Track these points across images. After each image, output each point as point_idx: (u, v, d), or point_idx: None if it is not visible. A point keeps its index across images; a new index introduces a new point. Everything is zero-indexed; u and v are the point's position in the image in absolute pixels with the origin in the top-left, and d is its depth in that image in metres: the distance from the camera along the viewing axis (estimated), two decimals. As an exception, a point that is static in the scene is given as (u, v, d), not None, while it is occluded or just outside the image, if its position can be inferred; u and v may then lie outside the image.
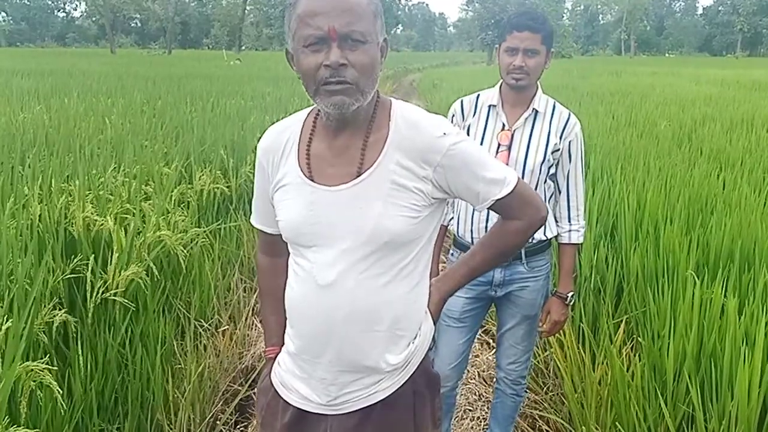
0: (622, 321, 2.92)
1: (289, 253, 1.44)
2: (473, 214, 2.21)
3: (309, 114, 1.42)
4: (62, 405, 2.16)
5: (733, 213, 3.25)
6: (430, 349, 1.47)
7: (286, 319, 1.46)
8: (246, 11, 71.18)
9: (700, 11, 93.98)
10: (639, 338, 2.74)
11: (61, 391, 2.12)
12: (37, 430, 1.99)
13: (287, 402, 1.45)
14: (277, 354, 1.52)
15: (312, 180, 1.34)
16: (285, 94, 11.23)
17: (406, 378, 1.41)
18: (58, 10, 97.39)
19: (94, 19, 78.82)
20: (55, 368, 2.24)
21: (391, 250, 1.32)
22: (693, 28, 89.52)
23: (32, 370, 2.09)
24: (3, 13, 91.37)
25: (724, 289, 2.49)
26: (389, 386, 1.39)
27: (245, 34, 74.33)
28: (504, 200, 1.36)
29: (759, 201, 3.56)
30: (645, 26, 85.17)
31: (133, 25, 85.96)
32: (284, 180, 1.38)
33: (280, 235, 1.43)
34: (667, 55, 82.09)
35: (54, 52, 46.67)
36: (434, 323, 1.48)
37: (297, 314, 1.41)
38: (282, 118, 5.45)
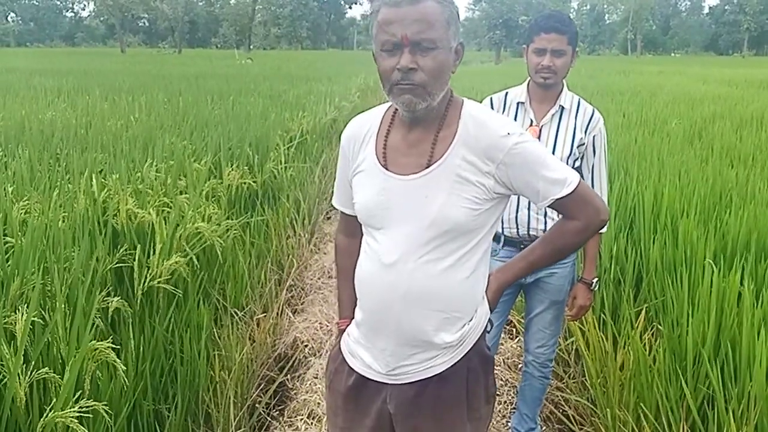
0: (642, 309, 3.05)
1: (362, 235, 1.59)
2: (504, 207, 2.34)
3: (389, 108, 1.55)
4: (124, 381, 2.31)
5: (747, 205, 3.38)
6: (487, 331, 1.59)
7: None
8: (255, 10, 71.26)
9: (706, 10, 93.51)
10: (659, 325, 2.87)
11: (125, 368, 2.26)
12: (104, 402, 2.13)
13: (352, 368, 1.60)
14: (348, 325, 1.68)
15: (386, 168, 1.48)
16: (301, 92, 11.36)
17: (461, 356, 1.52)
18: (67, 11, 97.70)
19: (102, 19, 79.04)
20: (116, 348, 2.38)
21: (451, 238, 1.44)
22: (699, 27, 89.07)
23: (96, 349, 2.25)
24: (12, 14, 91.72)
25: (741, 277, 2.62)
26: (444, 362, 1.51)
27: (254, 33, 74.43)
28: (563, 200, 1.45)
29: (772, 194, 3.70)
30: (651, 26, 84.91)
31: (141, 24, 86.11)
32: (362, 166, 1.53)
33: (356, 216, 1.58)
34: (672, 54, 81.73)
35: (64, 51, 46.87)
36: (491, 310, 1.60)
37: (363, 289, 1.56)
38: (300, 116, 5.67)
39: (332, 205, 1.75)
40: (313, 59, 31.98)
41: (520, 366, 3.38)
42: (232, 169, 4.71)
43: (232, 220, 4.07)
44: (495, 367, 3.31)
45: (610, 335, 3.06)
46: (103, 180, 3.66)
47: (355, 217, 1.59)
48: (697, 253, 2.93)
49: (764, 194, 3.67)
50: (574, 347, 3.30)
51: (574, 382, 3.17)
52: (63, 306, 2.29)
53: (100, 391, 2.29)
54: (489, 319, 1.60)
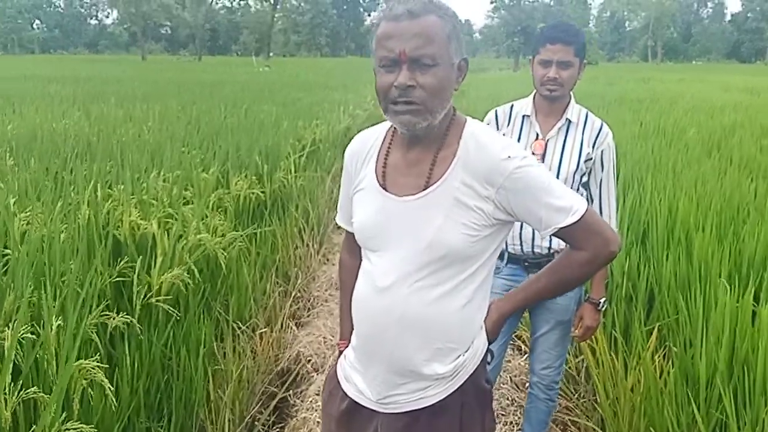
0: (654, 328, 2.95)
1: None
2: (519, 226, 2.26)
3: (392, 125, 1.49)
4: (113, 402, 2.25)
5: (765, 222, 3.26)
6: (487, 362, 1.50)
7: None
8: (275, 18, 71.88)
9: (728, 17, 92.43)
10: (671, 345, 2.77)
11: (112, 389, 2.21)
12: (91, 426, 2.08)
13: (345, 393, 1.54)
14: (346, 347, 1.62)
15: (384, 188, 1.43)
16: (316, 100, 11.35)
17: (455, 388, 1.45)
18: (91, 18, 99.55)
19: (125, 26, 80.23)
20: (105, 367, 2.33)
21: (447, 264, 1.37)
22: (721, 34, 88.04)
23: (84, 368, 2.20)
24: (37, 21, 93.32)
25: (756, 297, 2.51)
26: (437, 393, 1.44)
27: (273, 40, 75.04)
28: (569, 229, 1.36)
29: (791, 209, 3.57)
30: (672, 33, 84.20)
31: (163, 32, 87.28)
32: (362, 184, 1.48)
33: None
34: (694, 62, 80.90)
35: (87, 59, 47.58)
36: (490, 341, 1.51)
37: (358, 313, 1.50)
38: (314, 124, 5.60)
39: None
40: (330, 66, 32.08)
41: (527, 384, 3.29)
42: (240, 179, 4.67)
43: (238, 230, 4.02)
44: (502, 386, 3.29)
45: (620, 355, 2.96)
46: (108, 190, 3.64)
47: None
48: (712, 270, 2.83)
49: (783, 210, 3.54)
50: (584, 365, 3.20)
51: (583, 402, 3.08)
52: (54, 322, 2.24)
53: (92, 409, 2.25)
54: (489, 349, 1.51)
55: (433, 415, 1.45)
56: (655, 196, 3.81)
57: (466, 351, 1.45)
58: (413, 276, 1.38)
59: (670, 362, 2.71)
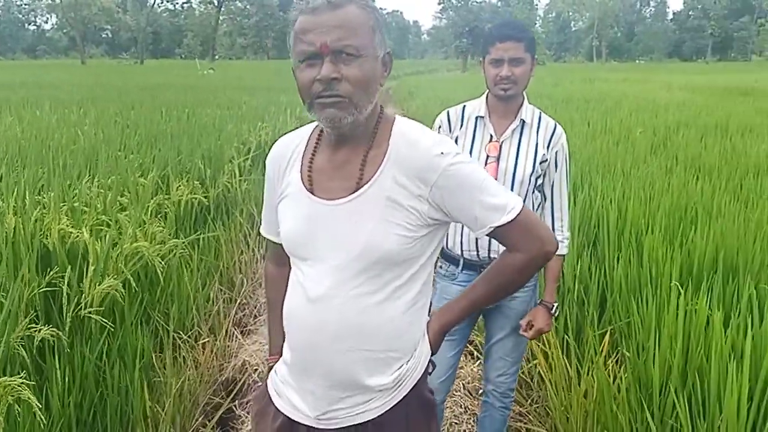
0: (606, 332, 2.91)
1: None
2: (463, 226, 2.19)
3: (317, 127, 1.41)
4: (41, 420, 2.11)
5: (713, 221, 3.27)
6: (428, 372, 1.43)
7: None
8: (219, 21, 70.97)
9: (670, 16, 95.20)
10: (624, 350, 2.72)
11: (39, 406, 2.07)
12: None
13: (279, 410, 1.43)
14: (276, 362, 1.51)
15: (312, 193, 1.34)
16: (261, 103, 11.15)
17: (398, 400, 1.37)
18: (29, 24, 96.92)
19: (64, 31, 78.20)
20: (33, 382, 2.18)
21: (383, 269, 1.29)
22: (663, 33, 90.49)
23: (9, 384, 2.04)
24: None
25: (708, 299, 2.48)
26: (379, 406, 1.36)
27: (219, 43, 74.10)
28: (504, 228, 1.31)
29: (738, 208, 3.59)
30: (616, 33, 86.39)
31: (103, 36, 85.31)
32: (287, 191, 1.39)
33: None
34: (637, 61, 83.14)
35: (24, 64, 46.23)
36: (433, 352, 1.44)
37: (290, 326, 1.40)
38: (259, 128, 5.41)
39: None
40: (277, 69, 31.68)
41: (480, 391, 3.22)
42: (182, 184, 4.48)
43: (179, 237, 3.85)
44: (454, 393, 3.21)
45: (573, 359, 2.91)
46: (38, 197, 3.43)
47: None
48: (663, 272, 2.80)
49: (730, 209, 3.56)
50: (537, 370, 3.14)
51: (536, 408, 3.02)
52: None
53: (19, 426, 2.12)
54: (430, 360, 1.43)
55: (377, 429, 1.37)
56: (605, 198, 3.79)
57: (409, 360, 1.37)
58: (348, 283, 1.29)
59: (623, 367, 2.67)
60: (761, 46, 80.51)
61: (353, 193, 1.29)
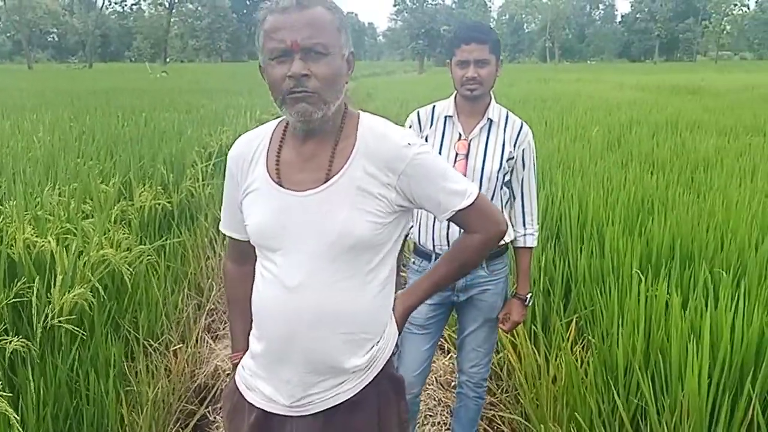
0: (572, 320, 3.01)
1: (255, 261, 1.49)
2: (434, 222, 2.25)
3: (279, 123, 1.47)
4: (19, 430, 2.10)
5: (669, 213, 3.41)
6: (393, 354, 1.51)
7: (251, 324, 1.51)
8: (171, 23, 69.82)
9: (618, 19, 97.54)
10: (590, 336, 2.83)
11: (17, 417, 2.05)
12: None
13: (252, 404, 1.47)
14: (241, 359, 1.55)
15: (281, 185, 1.39)
16: (220, 106, 11.06)
17: (370, 379, 1.45)
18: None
19: (8, 34, 75.85)
20: (7, 395, 2.16)
21: (356, 254, 1.36)
22: (612, 35, 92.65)
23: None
24: None
25: (667, 285, 2.60)
26: (352, 387, 1.43)
27: (170, 46, 72.87)
28: (464, 212, 1.43)
29: (691, 200, 3.75)
30: (567, 34, 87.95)
31: (50, 39, 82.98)
32: (253, 185, 1.43)
33: (248, 241, 1.48)
34: (589, 62, 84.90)
35: (-35, 69, 44.55)
36: (399, 333, 1.52)
37: (264, 316, 1.44)
38: (220, 131, 5.39)
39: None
40: (233, 71, 31.43)
41: (453, 384, 3.29)
42: (145, 190, 4.45)
43: (144, 244, 3.82)
44: (428, 386, 3.27)
45: (541, 348, 3.00)
46: (0, 207, 3.37)
47: (246, 242, 1.49)
48: (624, 261, 2.92)
49: (683, 201, 3.72)
50: (506, 361, 3.23)
51: (507, 397, 3.11)
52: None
53: None
54: (396, 343, 1.53)
55: (350, 410, 1.44)
56: (566, 193, 3.91)
57: (380, 340, 1.45)
58: (325, 270, 1.36)
59: (589, 352, 2.77)
60: (705, 46, 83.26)
61: (324, 183, 1.36)
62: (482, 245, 1.50)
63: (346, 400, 1.43)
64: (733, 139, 6.84)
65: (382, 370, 1.46)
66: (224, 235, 1.59)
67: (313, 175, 1.37)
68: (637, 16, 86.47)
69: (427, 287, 1.56)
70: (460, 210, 1.42)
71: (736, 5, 76.66)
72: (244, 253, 1.54)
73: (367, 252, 1.37)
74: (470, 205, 1.42)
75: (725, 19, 75.58)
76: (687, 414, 2.13)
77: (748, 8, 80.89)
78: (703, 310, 2.35)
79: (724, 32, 75.66)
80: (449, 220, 1.44)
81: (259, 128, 1.51)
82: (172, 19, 70.38)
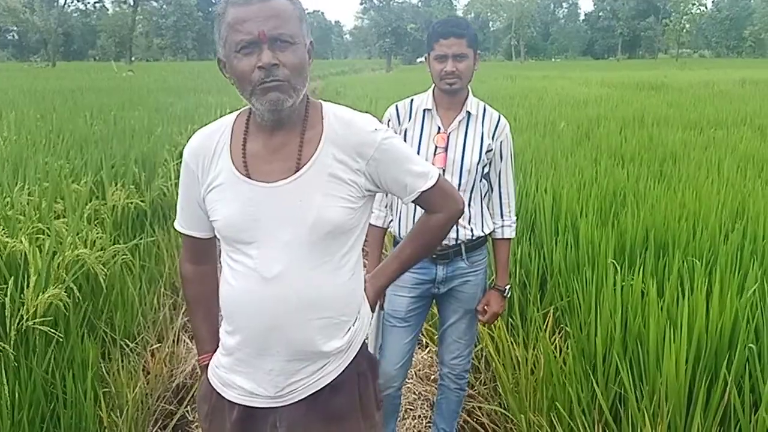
0: (549, 311, 3.06)
1: (213, 261, 1.51)
2: (414, 215, 2.27)
3: (239, 116, 1.46)
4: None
5: (641, 204, 3.48)
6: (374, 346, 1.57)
7: (218, 324, 1.52)
8: (135, 21, 68.68)
9: (582, 17, 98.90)
10: (567, 326, 2.88)
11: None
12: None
13: (232, 401, 1.47)
14: (210, 359, 1.55)
15: (249, 177, 1.38)
16: (189, 104, 10.94)
17: (350, 360, 1.49)
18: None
19: (-33, 34, 73.91)
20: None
21: (331, 240, 1.39)
22: (576, 33, 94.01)
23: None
24: None
25: (642, 274, 2.66)
26: (334, 369, 1.46)
27: (135, 44, 71.71)
28: (428, 192, 1.48)
29: (662, 191, 3.84)
30: (532, 33, 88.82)
31: (9, 38, 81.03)
32: (217, 180, 1.41)
33: (209, 239, 1.50)
34: (553, 59, 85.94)
35: None
36: (372, 313, 1.59)
37: (239, 310, 1.42)
38: (191, 130, 5.34)
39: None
40: (200, 70, 31.02)
41: (432, 377, 3.32)
42: (117, 189, 4.39)
43: (118, 243, 3.77)
44: (407, 380, 3.29)
45: (520, 339, 3.04)
46: (-33, 207, 3.30)
47: (206, 240, 1.50)
48: (599, 252, 2.97)
49: (655, 193, 3.80)
50: (484, 353, 3.27)
51: (486, 389, 3.14)
52: None
53: None
54: (369, 322, 1.59)
55: (333, 392, 1.47)
56: (539, 187, 3.96)
57: (355, 321, 1.50)
58: (303, 258, 1.37)
59: (567, 342, 2.81)
60: (666, 44, 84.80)
61: (295, 173, 1.37)
62: (445, 223, 1.56)
63: (329, 383, 1.45)
64: (698, 132, 7.00)
65: (360, 349, 1.51)
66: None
67: (283, 165, 1.38)
68: (600, 14, 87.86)
69: (395, 268, 1.62)
70: (424, 191, 1.47)
71: (694, 4, 78.22)
72: (203, 252, 1.54)
73: (340, 237, 1.40)
74: (433, 185, 1.47)
75: (684, 18, 77.07)
76: (665, 399, 2.18)
77: (706, 7, 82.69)
78: (678, 298, 2.41)
79: (684, 31, 77.20)
80: (414, 202, 1.49)
81: (216, 122, 1.49)
82: (136, 18, 69.22)
